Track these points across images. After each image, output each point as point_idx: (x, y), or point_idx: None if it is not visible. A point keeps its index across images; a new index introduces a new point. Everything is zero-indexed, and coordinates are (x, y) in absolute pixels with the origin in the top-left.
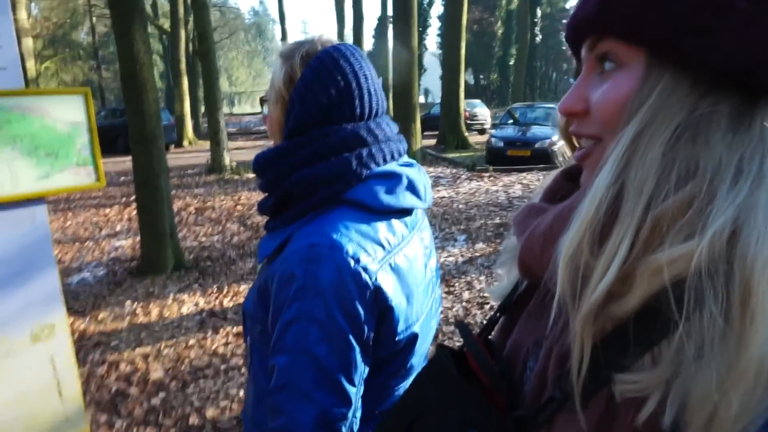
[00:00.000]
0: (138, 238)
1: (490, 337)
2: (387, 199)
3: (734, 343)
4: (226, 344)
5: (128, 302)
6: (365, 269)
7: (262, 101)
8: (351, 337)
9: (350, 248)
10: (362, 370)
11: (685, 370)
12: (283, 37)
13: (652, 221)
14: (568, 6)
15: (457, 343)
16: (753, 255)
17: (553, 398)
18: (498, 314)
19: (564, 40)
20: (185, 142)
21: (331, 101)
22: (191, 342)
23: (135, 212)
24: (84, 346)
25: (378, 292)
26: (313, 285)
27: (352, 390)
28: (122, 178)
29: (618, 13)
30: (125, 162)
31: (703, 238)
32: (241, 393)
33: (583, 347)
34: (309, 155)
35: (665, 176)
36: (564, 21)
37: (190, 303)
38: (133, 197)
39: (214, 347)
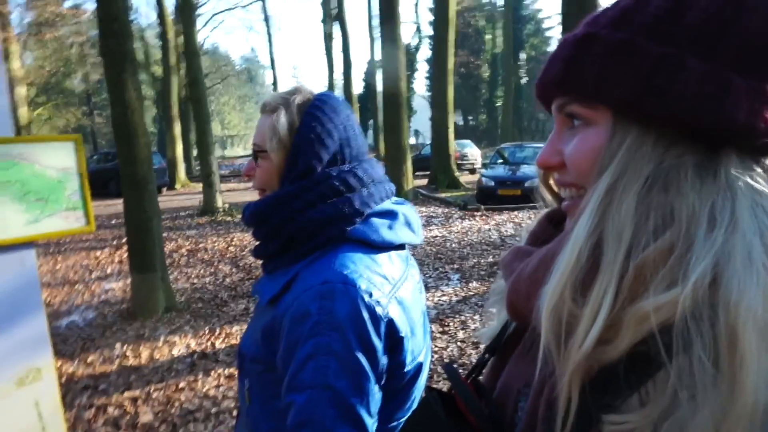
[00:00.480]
0: (129, 281)
1: (479, 378)
2: (388, 235)
3: (727, 387)
4: (218, 386)
5: (118, 345)
6: (378, 303)
7: (255, 154)
8: (369, 370)
9: (362, 284)
10: (378, 401)
11: (676, 412)
12: (274, 82)
13: (635, 270)
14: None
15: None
16: (736, 300)
17: None
18: (486, 355)
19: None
20: (177, 185)
21: (335, 145)
22: (182, 384)
23: (126, 255)
24: (71, 390)
25: (390, 325)
26: (329, 320)
27: (370, 422)
28: (114, 221)
29: (580, 78)
30: (117, 205)
31: (686, 284)
32: None
33: (571, 394)
34: (313, 198)
35: (642, 225)
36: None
37: (181, 345)
38: (125, 239)
39: (205, 390)
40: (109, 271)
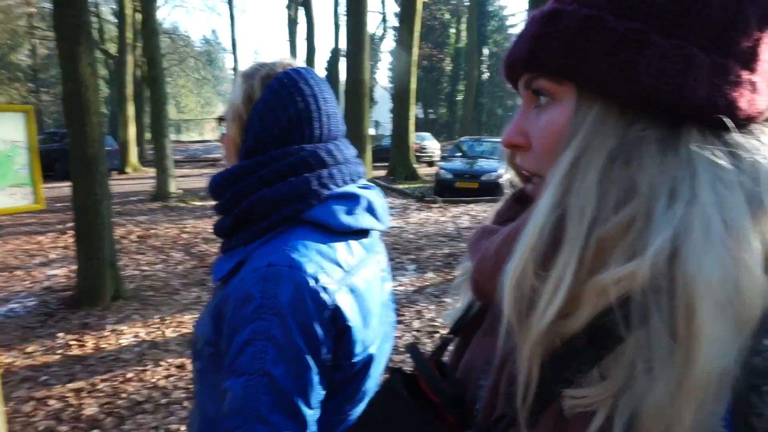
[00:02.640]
0: (74, 267)
1: (443, 359)
2: (346, 219)
3: (682, 358)
4: (168, 377)
5: (61, 334)
6: (324, 289)
7: (220, 120)
8: (309, 358)
9: (309, 268)
10: (319, 392)
11: (633, 385)
12: (235, 66)
13: (596, 243)
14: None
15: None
16: (693, 273)
17: (504, 415)
18: (451, 335)
19: (502, 74)
20: (129, 169)
21: (291, 120)
22: (129, 375)
23: (72, 239)
24: (9, 382)
25: (336, 313)
26: (272, 304)
27: (309, 413)
28: (59, 204)
29: (546, 55)
30: (62, 188)
31: (644, 257)
32: (183, 428)
33: (531, 369)
34: (268, 174)
35: (604, 199)
36: None
37: (130, 334)
38: (71, 224)
39: (154, 380)
40: (52, 256)
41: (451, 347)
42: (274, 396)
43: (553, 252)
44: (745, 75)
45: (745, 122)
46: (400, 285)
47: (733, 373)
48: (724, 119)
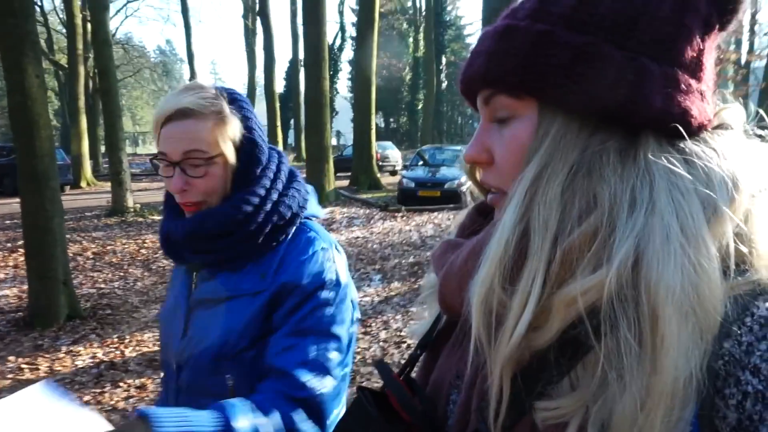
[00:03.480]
0: (25, 287)
1: (412, 375)
2: (319, 209)
3: (650, 366)
4: (128, 398)
5: (12, 358)
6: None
7: (199, 162)
8: (353, 321)
9: (338, 246)
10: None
11: (604, 393)
12: (192, 77)
13: (561, 255)
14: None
15: (376, 384)
16: (656, 280)
17: (478, 430)
18: (418, 351)
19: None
20: (83, 183)
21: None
22: (86, 398)
23: (22, 258)
24: None
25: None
26: (337, 278)
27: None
28: (7, 221)
29: (503, 71)
30: (11, 204)
31: (610, 267)
32: None
33: (503, 384)
34: (281, 193)
35: (568, 211)
36: None
37: (86, 355)
38: (21, 242)
39: (113, 402)
40: (1, 276)
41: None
42: (337, 353)
43: (519, 266)
44: (694, 84)
45: (697, 130)
46: (365, 296)
47: (698, 378)
48: (679, 127)
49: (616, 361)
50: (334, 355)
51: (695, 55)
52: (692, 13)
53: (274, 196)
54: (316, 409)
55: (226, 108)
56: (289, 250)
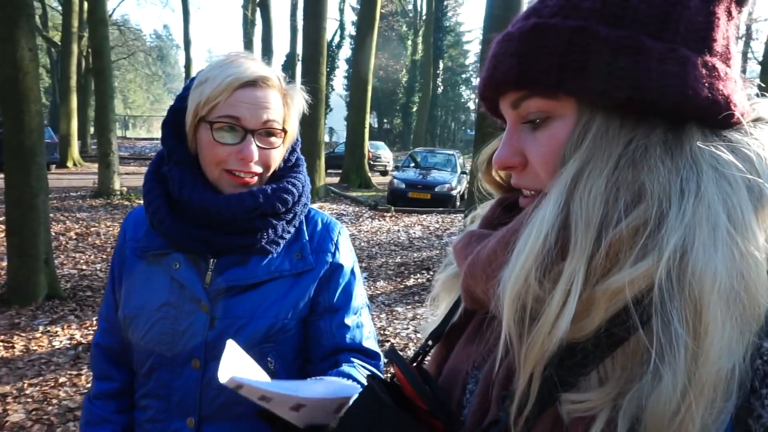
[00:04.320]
0: (4, 263)
1: (423, 366)
2: None
3: (691, 355)
4: None
5: None
6: None
7: (271, 133)
8: None
9: None
10: None
11: (636, 386)
12: (187, 64)
13: (606, 247)
14: (467, 62)
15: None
16: (703, 267)
17: (498, 420)
18: (429, 342)
19: (478, 95)
20: (69, 163)
21: None
22: (62, 380)
23: (2, 234)
24: None
25: None
26: (354, 257)
27: None
28: None
29: (539, 71)
30: None
31: (661, 257)
32: None
33: (533, 375)
34: (304, 169)
35: (612, 204)
36: (463, 75)
37: (64, 336)
38: (2, 218)
39: (89, 385)
40: None
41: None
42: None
43: (558, 260)
44: (729, 72)
45: (738, 120)
46: None
47: (741, 371)
48: (723, 117)
49: (660, 350)
50: (370, 320)
51: (725, 43)
52: (719, 1)
53: (307, 178)
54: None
55: (292, 84)
56: (315, 231)
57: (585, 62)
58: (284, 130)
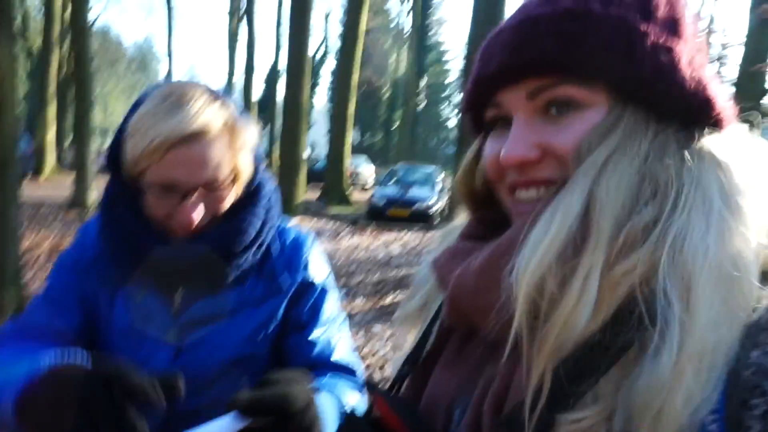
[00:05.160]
0: None
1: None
2: None
3: (682, 326)
4: None
5: None
6: None
7: (213, 188)
8: None
9: None
10: None
11: (626, 386)
12: (168, 75)
13: (625, 238)
14: (448, 80)
15: None
16: (694, 247)
17: None
18: (405, 369)
19: (469, 94)
20: (45, 173)
21: None
22: None
23: None
24: None
25: None
26: (325, 261)
27: None
28: None
29: (584, 55)
30: None
31: (665, 243)
32: None
33: (544, 380)
34: (272, 193)
35: (635, 195)
36: (444, 93)
37: None
38: None
39: None
40: None
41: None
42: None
43: (578, 250)
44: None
45: (727, 118)
46: None
47: (726, 345)
48: (728, 117)
49: (662, 331)
50: (344, 333)
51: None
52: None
53: (273, 199)
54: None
55: (236, 113)
56: (284, 249)
57: (630, 53)
58: (236, 173)
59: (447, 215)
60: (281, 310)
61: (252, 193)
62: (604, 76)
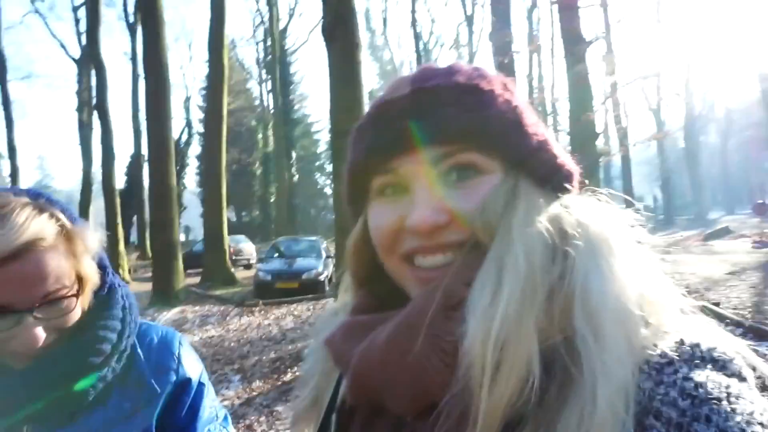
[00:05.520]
0: None
1: None
2: None
3: (602, 371)
4: None
5: None
6: None
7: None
8: None
9: None
10: None
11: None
12: (13, 173)
13: (547, 293)
14: (319, 150)
15: None
16: (597, 295)
17: None
18: None
19: (359, 162)
20: None
21: None
22: None
23: None
24: None
25: None
26: (196, 355)
27: None
28: None
29: (482, 129)
30: None
31: (573, 296)
32: None
33: None
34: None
35: (547, 252)
36: (317, 163)
37: None
38: None
39: None
40: None
41: None
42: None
43: (520, 309)
44: None
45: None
46: (224, 399)
47: (633, 380)
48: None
49: (592, 375)
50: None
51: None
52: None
53: (129, 301)
54: None
55: (64, 217)
56: (151, 350)
57: (519, 126)
58: (79, 281)
59: (337, 283)
60: (155, 418)
61: (103, 299)
62: (501, 145)
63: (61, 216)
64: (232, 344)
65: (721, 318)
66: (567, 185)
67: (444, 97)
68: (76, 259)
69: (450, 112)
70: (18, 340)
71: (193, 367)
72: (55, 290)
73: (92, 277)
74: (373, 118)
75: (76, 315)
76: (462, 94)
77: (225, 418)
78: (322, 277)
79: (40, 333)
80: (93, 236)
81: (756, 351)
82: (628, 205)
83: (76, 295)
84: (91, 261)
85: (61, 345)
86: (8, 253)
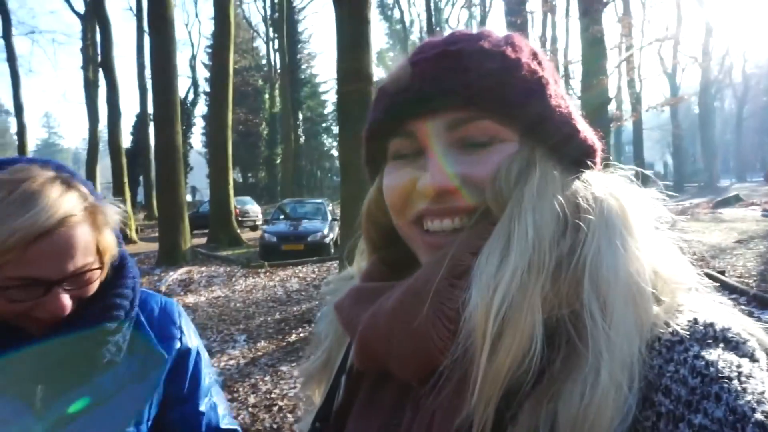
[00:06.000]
0: None
1: None
2: None
3: (606, 346)
4: None
5: None
6: None
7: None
8: None
9: None
10: None
11: (551, 408)
12: (20, 131)
13: (555, 265)
14: (326, 111)
15: None
16: (607, 270)
17: None
18: (316, 427)
19: (377, 123)
20: None
21: None
22: None
23: None
24: None
25: None
26: (192, 324)
27: None
28: None
29: (503, 98)
30: None
31: (584, 269)
32: None
33: (488, 411)
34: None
35: (557, 226)
36: (324, 125)
37: None
38: None
39: None
40: None
41: None
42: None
43: (525, 279)
44: None
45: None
46: (230, 359)
47: (639, 356)
48: (599, 156)
49: (597, 351)
50: (221, 396)
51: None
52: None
53: (136, 270)
54: None
55: (89, 195)
56: (153, 318)
57: (543, 98)
58: (99, 254)
59: (341, 245)
60: (161, 384)
61: (117, 268)
62: (521, 116)
63: (86, 191)
64: (238, 305)
65: (725, 286)
66: (589, 161)
67: (466, 62)
68: (98, 232)
69: (470, 77)
70: (44, 308)
71: (192, 336)
72: (83, 264)
73: (112, 249)
74: (395, 80)
75: (96, 284)
76: (484, 59)
77: (217, 382)
78: (327, 240)
79: (67, 301)
80: (113, 210)
81: (759, 319)
82: (637, 175)
83: (101, 268)
84: (111, 234)
85: (85, 310)
86: (43, 230)
